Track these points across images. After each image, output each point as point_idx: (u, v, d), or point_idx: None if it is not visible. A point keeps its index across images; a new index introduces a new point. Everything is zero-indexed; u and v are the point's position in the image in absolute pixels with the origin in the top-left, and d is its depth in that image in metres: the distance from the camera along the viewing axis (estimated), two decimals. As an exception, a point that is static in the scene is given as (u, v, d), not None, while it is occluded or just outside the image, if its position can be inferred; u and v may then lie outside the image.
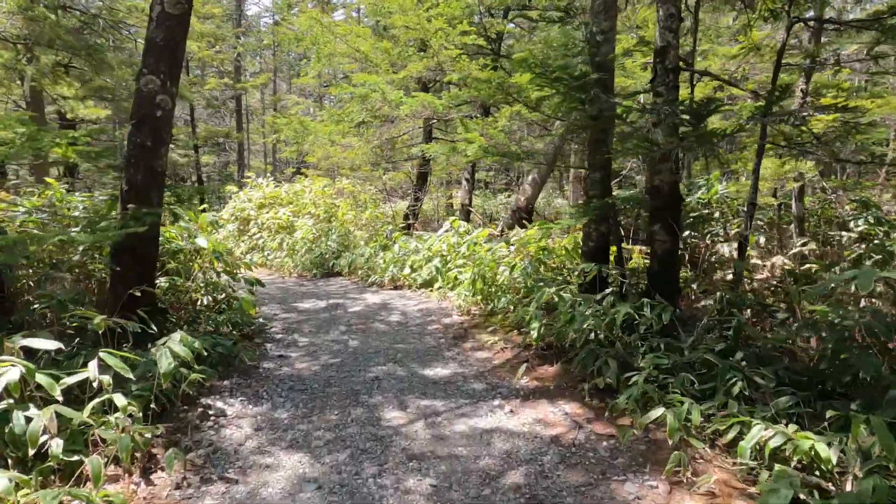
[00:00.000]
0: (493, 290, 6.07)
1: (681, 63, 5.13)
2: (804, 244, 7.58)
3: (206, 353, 4.25)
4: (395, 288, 8.26)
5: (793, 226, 8.74)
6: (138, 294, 4.14)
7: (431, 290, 7.35)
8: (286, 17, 20.91)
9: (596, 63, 5.27)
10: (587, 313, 3.93)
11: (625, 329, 4.14)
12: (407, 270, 8.00)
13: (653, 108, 4.77)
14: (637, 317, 4.00)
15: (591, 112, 4.73)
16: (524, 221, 10.04)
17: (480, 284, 6.07)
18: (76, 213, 5.73)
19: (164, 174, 4.43)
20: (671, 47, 4.90)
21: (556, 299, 4.57)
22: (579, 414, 3.56)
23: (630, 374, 3.49)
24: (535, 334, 4.32)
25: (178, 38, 4.36)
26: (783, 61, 5.19)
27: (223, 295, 5.58)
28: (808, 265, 6.00)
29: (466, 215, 10.84)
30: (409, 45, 11.14)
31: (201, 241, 5.31)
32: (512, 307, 5.87)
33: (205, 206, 16.10)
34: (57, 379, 2.73)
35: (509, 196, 23.23)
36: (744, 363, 3.45)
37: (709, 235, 6.84)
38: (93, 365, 2.81)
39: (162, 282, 5.01)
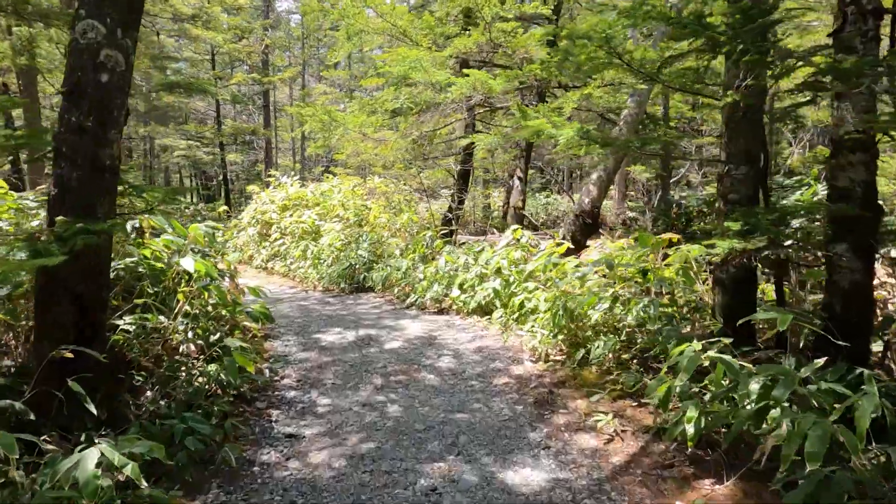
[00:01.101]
0: (583, 328, 4.44)
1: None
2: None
3: (175, 442, 2.80)
4: (440, 312, 6.70)
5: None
6: (71, 355, 2.71)
7: (489, 321, 5.75)
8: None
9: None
10: (809, 417, 2.25)
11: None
12: (455, 292, 6.42)
13: (853, 69, 3.08)
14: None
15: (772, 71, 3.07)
16: (592, 229, 8.36)
17: (565, 321, 4.44)
18: (36, 223, 4.39)
19: (114, 171, 2.94)
20: (872, -22, 3.20)
21: (708, 363, 2.92)
22: None
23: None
24: (691, 430, 2.65)
25: (135, -36, 2.89)
26: None
27: (217, 335, 4.12)
28: None
29: (519, 220, 9.19)
30: (450, 22, 9.56)
31: (187, 263, 3.85)
32: (610, 354, 4.23)
33: (224, 207, 14.89)
34: None
35: (548, 196, 21.38)
36: None
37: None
38: None
39: (127, 322, 3.56)
